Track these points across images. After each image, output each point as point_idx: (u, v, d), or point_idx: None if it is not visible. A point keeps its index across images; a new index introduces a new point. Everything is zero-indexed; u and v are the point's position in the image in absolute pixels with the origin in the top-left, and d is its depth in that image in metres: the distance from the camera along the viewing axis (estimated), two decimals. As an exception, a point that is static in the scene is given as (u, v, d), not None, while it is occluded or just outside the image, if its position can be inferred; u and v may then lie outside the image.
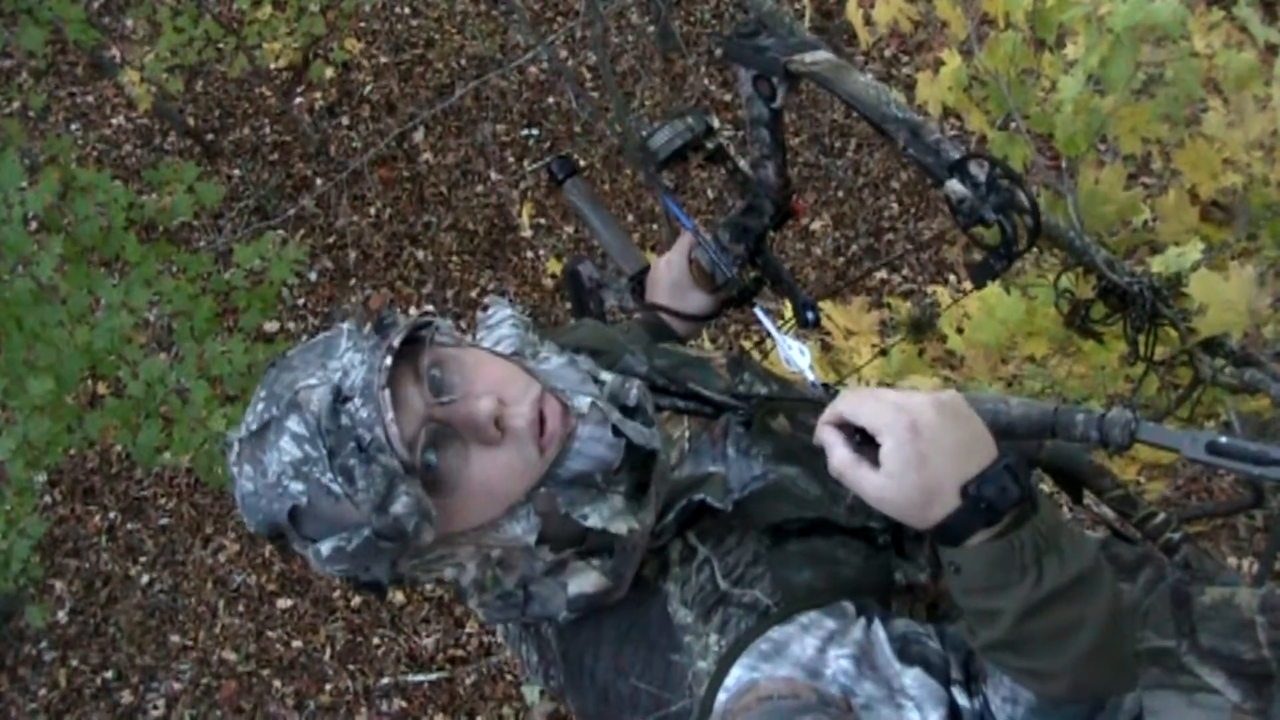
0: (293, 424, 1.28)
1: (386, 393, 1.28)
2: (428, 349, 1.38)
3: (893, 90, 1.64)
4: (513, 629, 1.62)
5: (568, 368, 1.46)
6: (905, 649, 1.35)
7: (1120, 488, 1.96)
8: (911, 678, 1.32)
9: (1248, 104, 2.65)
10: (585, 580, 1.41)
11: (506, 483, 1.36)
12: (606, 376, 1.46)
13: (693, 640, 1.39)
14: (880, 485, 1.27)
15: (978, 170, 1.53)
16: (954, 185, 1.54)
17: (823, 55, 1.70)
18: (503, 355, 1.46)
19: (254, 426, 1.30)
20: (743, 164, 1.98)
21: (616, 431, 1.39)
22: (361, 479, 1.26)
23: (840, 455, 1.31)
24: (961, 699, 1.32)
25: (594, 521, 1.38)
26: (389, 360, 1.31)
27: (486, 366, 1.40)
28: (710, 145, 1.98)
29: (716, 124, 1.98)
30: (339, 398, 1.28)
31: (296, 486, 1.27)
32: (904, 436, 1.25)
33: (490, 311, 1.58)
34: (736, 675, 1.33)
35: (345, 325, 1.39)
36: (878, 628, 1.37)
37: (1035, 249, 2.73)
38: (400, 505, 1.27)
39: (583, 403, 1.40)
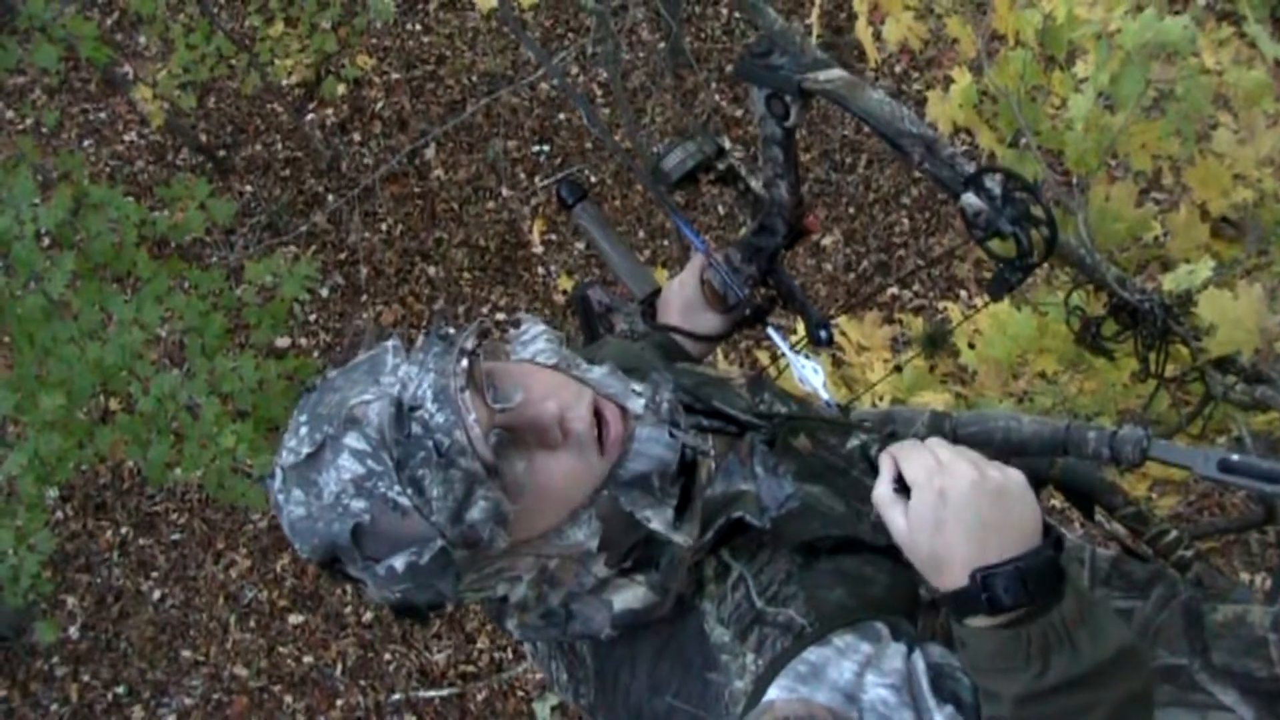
0: (352, 440, 1.25)
1: (466, 394, 1.27)
2: (480, 360, 1.37)
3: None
4: (542, 647, 1.61)
5: (611, 376, 1.46)
6: (938, 683, 1.34)
7: (1132, 504, 1.96)
8: (945, 717, 1.30)
9: (1258, 121, 2.64)
10: (631, 596, 1.40)
11: (570, 487, 1.35)
12: (638, 388, 1.46)
13: (729, 659, 1.38)
14: (900, 532, 1.31)
15: (993, 183, 1.53)
16: (970, 199, 1.54)
17: (836, 73, 1.71)
18: (547, 366, 1.46)
19: (304, 450, 1.27)
20: (754, 184, 1.98)
21: (671, 433, 1.40)
22: (437, 486, 1.24)
23: (881, 490, 1.34)
24: None
25: (656, 525, 1.38)
26: (464, 363, 1.30)
27: (538, 375, 1.40)
28: (721, 166, 1.98)
29: (727, 145, 1.98)
30: (403, 409, 1.26)
31: (358, 504, 1.24)
32: (929, 498, 1.27)
33: (524, 328, 1.57)
34: (772, 696, 1.32)
35: (390, 343, 1.37)
36: (918, 658, 1.35)
37: (1048, 266, 2.73)
38: (477, 511, 1.25)
39: (638, 404, 1.41)
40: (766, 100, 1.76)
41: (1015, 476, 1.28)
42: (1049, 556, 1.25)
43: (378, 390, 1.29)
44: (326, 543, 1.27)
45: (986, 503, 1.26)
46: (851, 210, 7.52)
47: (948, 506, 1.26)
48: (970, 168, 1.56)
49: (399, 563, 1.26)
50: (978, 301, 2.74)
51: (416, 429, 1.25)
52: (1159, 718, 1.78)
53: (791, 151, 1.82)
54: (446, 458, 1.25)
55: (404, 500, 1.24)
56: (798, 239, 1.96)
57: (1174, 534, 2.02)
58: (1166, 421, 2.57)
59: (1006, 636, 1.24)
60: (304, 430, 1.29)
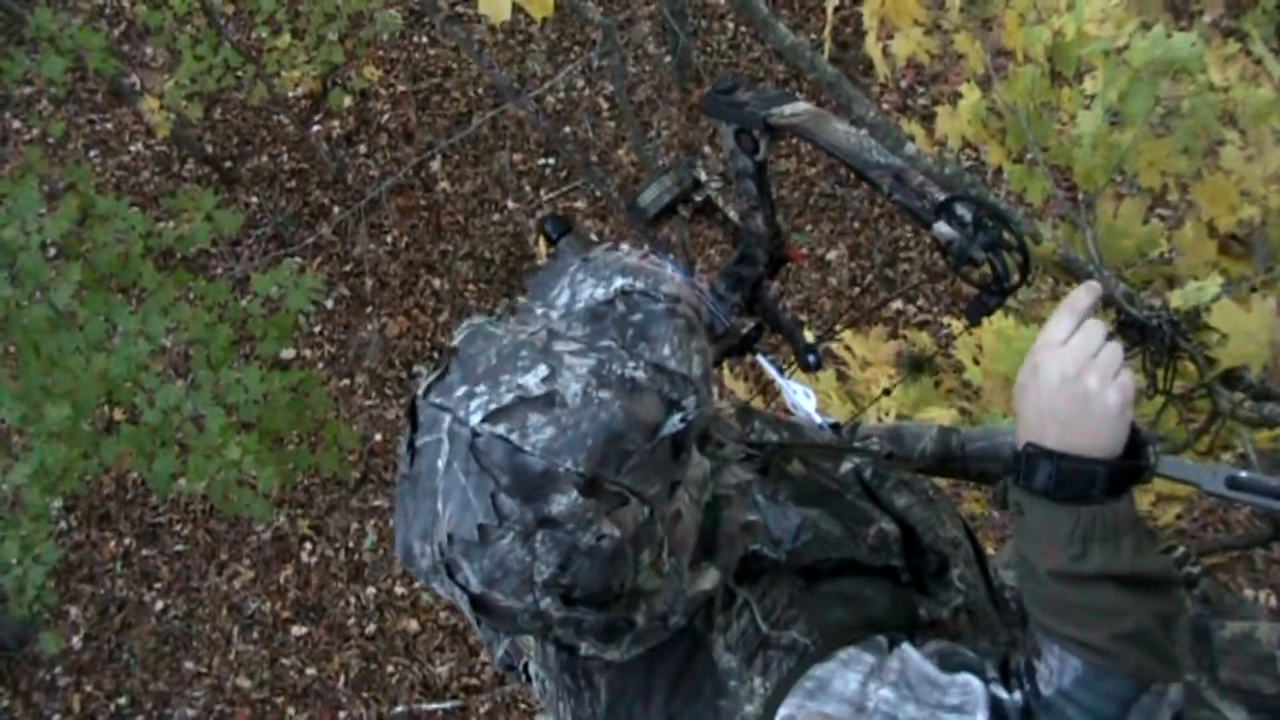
0: (561, 345, 1.26)
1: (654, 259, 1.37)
2: None
3: (908, 122, 1.65)
4: (550, 686, 1.60)
5: None
6: (946, 660, 1.40)
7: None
8: (959, 685, 1.36)
9: (1265, 138, 2.65)
10: (705, 579, 1.41)
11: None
12: None
13: (737, 685, 1.39)
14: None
15: (964, 211, 1.55)
16: (941, 227, 1.56)
17: (802, 106, 1.73)
18: None
19: (519, 379, 1.24)
20: (733, 214, 1.99)
21: None
22: (668, 345, 1.29)
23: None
24: (1000, 692, 1.37)
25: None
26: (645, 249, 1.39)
27: None
28: (699, 198, 1.98)
29: (704, 177, 1.98)
30: (603, 300, 1.30)
31: (605, 394, 1.23)
32: (1029, 362, 1.35)
33: None
34: (783, 715, 1.35)
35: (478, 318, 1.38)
36: (908, 649, 1.40)
37: (1054, 281, 2.73)
38: (698, 365, 1.31)
39: None
40: (736, 136, 1.78)
41: (1113, 397, 1.31)
42: (1099, 473, 1.30)
43: (541, 313, 1.33)
44: (602, 437, 1.22)
45: (1064, 398, 1.31)
46: (856, 225, 7.52)
47: (1036, 380, 1.33)
48: (941, 195, 1.57)
49: (669, 427, 1.27)
50: (986, 320, 2.73)
51: (620, 308, 1.30)
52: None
53: (764, 184, 1.84)
54: (669, 306, 1.30)
55: (640, 374, 1.26)
56: (779, 267, 1.98)
57: (1180, 550, 2.02)
58: (1174, 438, 2.57)
59: (1057, 512, 1.30)
60: (483, 386, 1.24)
